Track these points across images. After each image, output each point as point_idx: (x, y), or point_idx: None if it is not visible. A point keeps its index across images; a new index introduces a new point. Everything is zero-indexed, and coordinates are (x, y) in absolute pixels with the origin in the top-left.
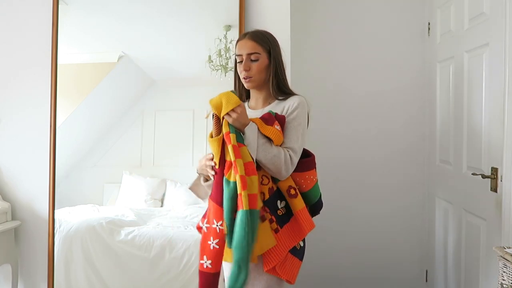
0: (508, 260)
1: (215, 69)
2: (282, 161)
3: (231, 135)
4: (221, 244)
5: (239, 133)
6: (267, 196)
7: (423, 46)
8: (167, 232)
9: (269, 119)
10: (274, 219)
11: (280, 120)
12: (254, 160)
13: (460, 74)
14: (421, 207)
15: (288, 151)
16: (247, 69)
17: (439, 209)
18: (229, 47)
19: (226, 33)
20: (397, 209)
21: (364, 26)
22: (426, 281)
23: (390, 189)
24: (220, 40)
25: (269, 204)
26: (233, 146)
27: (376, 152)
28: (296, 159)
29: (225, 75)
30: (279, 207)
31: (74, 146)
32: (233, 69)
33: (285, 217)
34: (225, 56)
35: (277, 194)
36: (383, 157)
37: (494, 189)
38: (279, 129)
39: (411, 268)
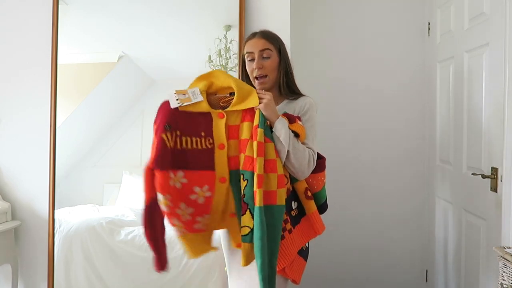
0: (508, 260)
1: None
2: (307, 159)
3: (259, 129)
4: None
5: (267, 127)
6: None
7: (423, 46)
8: (167, 232)
9: (290, 117)
10: (289, 219)
11: (299, 120)
12: (286, 152)
13: (460, 74)
14: (421, 207)
15: (310, 151)
16: (260, 67)
17: (439, 209)
18: (229, 47)
19: (226, 33)
20: (397, 209)
21: (364, 26)
22: (426, 281)
23: (390, 189)
24: (220, 40)
25: (286, 205)
26: (259, 144)
27: (376, 152)
28: (315, 159)
29: None
30: (293, 208)
31: (74, 146)
32: (234, 69)
33: (298, 218)
34: (225, 56)
35: (292, 195)
36: (383, 157)
37: (494, 189)
38: (302, 125)
39: (411, 268)
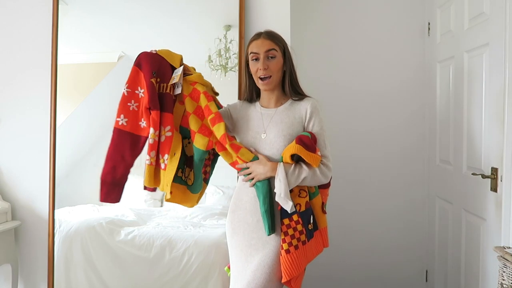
0: (508, 260)
1: (215, 69)
2: (318, 177)
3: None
4: (140, 108)
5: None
6: (303, 208)
7: (423, 46)
8: (167, 232)
9: (311, 145)
10: (304, 231)
11: (316, 141)
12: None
13: (460, 74)
14: (421, 207)
15: (321, 161)
16: (266, 68)
17: (439, 209)
18: (229, 47)
19: (226, 33)
20: (397, 209)
21: (364, 26)
22: (426, 281)
23: (390, 189)
24: (220, 40)
25: (304, 217)
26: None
27: (376, 152)
28: (331, 164)
29: (225, 75)
30: (311, 221)
31: (74, 146)
32: (234, 69)
33: (312, 232)
34: (225, 56)
35: (311, 210)
36: (383, 157)
37: (494, 189)
38: (319, 155)
39: (411, 268)
